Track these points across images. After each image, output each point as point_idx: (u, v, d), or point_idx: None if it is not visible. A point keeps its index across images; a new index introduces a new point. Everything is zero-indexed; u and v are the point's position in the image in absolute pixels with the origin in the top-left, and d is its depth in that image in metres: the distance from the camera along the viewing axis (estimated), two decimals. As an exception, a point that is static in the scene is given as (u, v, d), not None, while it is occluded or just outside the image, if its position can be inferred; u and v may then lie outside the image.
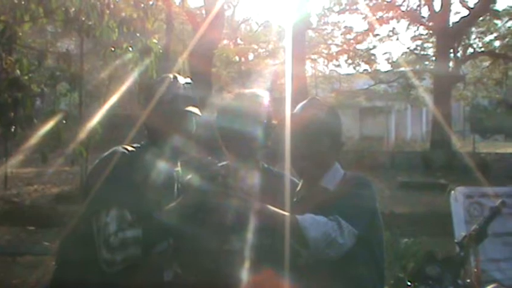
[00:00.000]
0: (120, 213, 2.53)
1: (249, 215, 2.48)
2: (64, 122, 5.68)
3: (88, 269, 2.57)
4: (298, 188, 2.80)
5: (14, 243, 10.25)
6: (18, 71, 5.70)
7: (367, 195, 2.69)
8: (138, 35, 5.93)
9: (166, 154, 2.78)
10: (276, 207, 2.50)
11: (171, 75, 2.88)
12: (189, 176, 2.68)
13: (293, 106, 2.87)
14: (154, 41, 6.04)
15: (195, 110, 2.79)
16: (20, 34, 5.90)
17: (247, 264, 2.63)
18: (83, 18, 5.60)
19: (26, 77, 5.87)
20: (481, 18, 23.88)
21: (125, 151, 2.73)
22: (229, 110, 2.84)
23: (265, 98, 2.88)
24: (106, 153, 2.74)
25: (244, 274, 2.62)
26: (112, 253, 2.49)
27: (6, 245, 10.13)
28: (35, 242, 9.60)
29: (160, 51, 6.22)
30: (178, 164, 2.87)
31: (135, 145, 2.82)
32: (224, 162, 2.84)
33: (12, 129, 5.55)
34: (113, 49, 5.92)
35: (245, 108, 2.81)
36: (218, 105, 2.93)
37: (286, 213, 2.49)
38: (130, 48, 5.87)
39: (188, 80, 2.91)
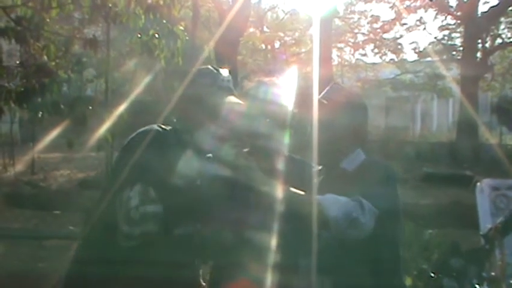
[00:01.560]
0: (144, 189, 2.54)
1: (273, 196, 2.48)
2: (90, 108, 5.72)
3: (107, 246, 2.60)
4: (318, 173, 2.80)
5: (41, 227, 10.37)
6: (45, 57, 5.74)
7: (388, 178, 2.70)
8: (164, 21, 5.93)
9: (201, 142, 2.78)
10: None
11: (212, 67, 2.90)
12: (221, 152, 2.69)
13: (319, 94, 2.87)
14: (181, 27, 6.04)
15: (238, 101, 2.81)
16: (48, 20, 5.93)
17: (266, 252, 2.61)
18: (110, 5, 5.62)
19: (53, 63, 5.91)
20: (510, 8, 23.51)
21: (160, 130, 2.76)
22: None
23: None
24: (142, 129, 2.77)
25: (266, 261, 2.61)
26: (131, 226, 2.51)
27: (32, 228, 10.26)
28: (60, 226, 9.71)
29: (187, 38, 6.22)
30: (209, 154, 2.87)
31: (170, 127, 2.83)
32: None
33: (40, 115, 5.59)
34: (139, 35, 5.93)
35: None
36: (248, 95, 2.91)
37: (307, 194, 2.49)
38: (156, 35, 5.88)
39: (227, 72, 2.91)
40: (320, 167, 2.82)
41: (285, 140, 2.78)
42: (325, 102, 2.76)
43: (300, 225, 2.50)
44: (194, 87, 2.83)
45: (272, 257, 2.58)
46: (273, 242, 2.57)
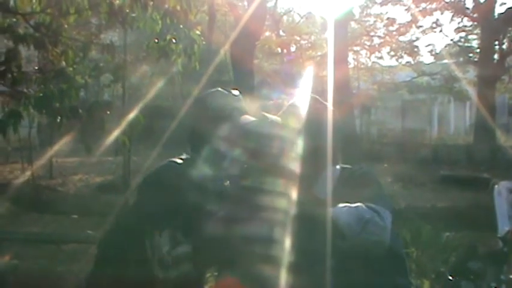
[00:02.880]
0: (172, 234, 2.57)
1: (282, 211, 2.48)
2: (108, 112, 5.76)
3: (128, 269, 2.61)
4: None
5: (59, 231, 10.45)
6: (63, 63, 5.80)
7: (378, 181, 2.69)
8: (181, 26, 5.96)
9: (220, 168, 2.74)
10: None
11: (221, 89, 2.88)
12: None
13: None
14: (198, 32, 6.07)
15: (256, 121, 2.76)
16: (66, 26, 5.99)
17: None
18: (127, 10, 5.66)
19: (71, 69, 5.97)
20: (528, 9, 23.35)
21: (177, 165, 2.73)
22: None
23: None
24: (159, 166, 2.76)
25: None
26: (166, 271, 2.54)
27: (51, 233, 10.33)
28: (79, 230, 9.78)
29: (203, 42, 6.26)
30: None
31: (184, 157, 2.81)
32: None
33: (58, 120, 5.64)
34: (156, 40, 5.97)
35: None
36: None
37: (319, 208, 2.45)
38: (173, 40, 5.91)
39: (238, 92, 2.90)
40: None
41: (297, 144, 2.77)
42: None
43: (315, 243, 2.50)
44: (206, 107, 2.80)
45: (278, 262, 2.59)
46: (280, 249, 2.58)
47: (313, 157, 2.61)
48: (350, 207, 2.41)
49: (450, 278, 3.98)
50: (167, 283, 2.56)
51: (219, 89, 2.91)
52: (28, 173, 15.10)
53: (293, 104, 2.80)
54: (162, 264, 2.54)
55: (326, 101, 2.82)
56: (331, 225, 2.37)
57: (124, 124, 5.72)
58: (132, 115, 5.79)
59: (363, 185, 2.59)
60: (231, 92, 2.89)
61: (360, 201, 2.44)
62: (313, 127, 2.63)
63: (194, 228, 2.57)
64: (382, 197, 2.56)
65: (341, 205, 2.43)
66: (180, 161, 2.77)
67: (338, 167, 2.76)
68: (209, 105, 2.82)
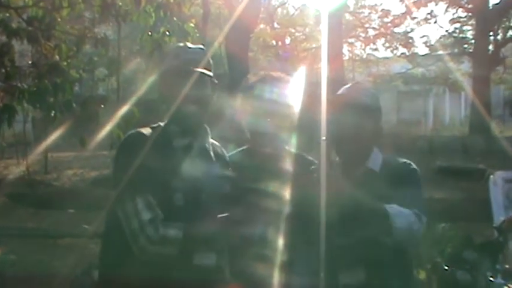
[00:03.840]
0: (147, 202, 2.51)
1: (277, 196, 2.49)
2: (102, 106, 5.74)
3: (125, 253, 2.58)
4: (340, 170, 2.80)
5: (55, 226, 10.44)
6: (57, 57, 5.77)
7: (420, 182, 2.77)
8: (175, 19, 5.94)
9: (188, 126, 2.71)
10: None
11: (181, 44, 2.85)
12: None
13: (329, 90, 2.86)
14: (191, 25, 6.05)
15: (206, 71, 2.70)
16: (59, 20, 5.96)
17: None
18: (120, 3, 5.64)
19: (65, 63, 5.94)
20: (522, -1, 23.36)
21: (141, 134, 2.69)
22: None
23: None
24: (130, 133, 2.74)
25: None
26: (150, 244, 2.48)
27: (47, 228, 10.32)
28: (74, 225, 9.76)
29: (197, 35, 6.24)
30: (209, 136, 2.81)
31: (154, 125, 2.77)
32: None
33: (52, 114, 5.62)
34: (150, 34, 5.95)
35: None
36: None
37: (373, 201, 2.54)
38: (167, 33, 5.89)
39: (200, 46, 2.83)
40: (340, 166, 2.82)
41: (291, 139, 2.78)
42: (347, 98, 2.80)
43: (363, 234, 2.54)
44: (164, 64, 2.79)
45: (277, 257, 2.59)
46: (278, 242, 2.58)
47: (366, 133, 2.79)
48: (402, 211, 2.51)
49: (446, 268, 3.99)
50: (146, 254, 2.49)
51: (180, 44, 2.91)
52: (23, 168, 15.08)
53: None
54: (145, 235, 2.46)
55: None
56: (386, 222, 2.48)
57: (118, 118, 5.70)
58: (126, 109, 5.77)
59: (406, 183, 2.69)
60: (186, 45, 2.82)
61: (401, 200, 2.56)
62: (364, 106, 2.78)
63: (168, 192, 2.55)
64: (420, 200, 2.67)
65: (394, 206, 2.52)
66: (144, 130, 2.73)
67: (379, 151, 2.86)
68: (168, 61, 2.78)
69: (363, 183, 2.62)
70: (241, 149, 2.96)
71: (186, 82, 2.64)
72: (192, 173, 2.62)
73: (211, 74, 2.73)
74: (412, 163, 2.84)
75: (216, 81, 2.77)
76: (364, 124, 2.75)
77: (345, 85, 2.89)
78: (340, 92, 2.87)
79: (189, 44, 2.84)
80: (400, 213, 2.49)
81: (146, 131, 2.71)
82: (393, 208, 2.50)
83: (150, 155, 2.57)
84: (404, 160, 2.87)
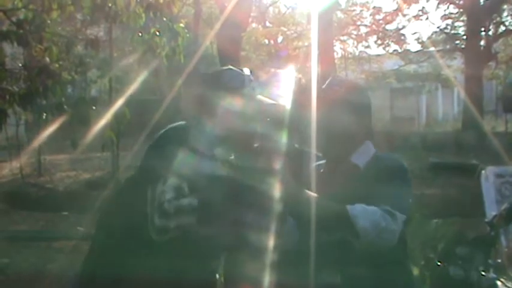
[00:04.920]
0: (178, 184, 2.50)
1: (272, 195, 2.47)
2: (94, 108, 5.74)
3: (132, 237, 2.57)
4: (323, 168, 2.78)
5: (49, 228, 10.42)
6: (47, 59, 5.76)
7: (405, 178, 2.68)
8: (164, 19, 5.94)
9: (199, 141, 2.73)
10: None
11: (233, 67, 2.87)
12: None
13: (320, 88, 2.85)
14: (181, 25, 6.05)
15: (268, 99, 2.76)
16: (49, 22, 5.95)
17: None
18: (110, 5, 5.63)
19: (57, 65, 5.93)
20: (513, -5, 23.44)
21: (186, 127, 2.73)
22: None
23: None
24: (172, 126, 2.77)
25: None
26: (166, 219, 2.46)
27: (41, 230, 10.31)
28: (68, 227, 9.75)
29: (188, 35, 6.24)
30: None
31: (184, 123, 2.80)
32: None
33: (44, 116, 5.62)
34: (140, 34, 5.95)
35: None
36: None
37: (336, 204, 2.46)
38: (157, 33, 5.89)
39: (249, 71, 2.89)
40: (324, 161, 2.79)
41: (284, 138, 2.76)
42: (322, 95, 2.75)
43: (324, 235, 2.50)
44: (221, 83, 2.78)
45: (272, 257, 2.58)
46: (272, 242, 2.57)
47: (353, 126, 2.71)
48: (367, 210, 2.43)
49: (438, 263, 4.00)
50: (164, 233, 2.48)
51: (231, 67, 2.89)
52: (16, 171, 15.05)
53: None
54: (162, 212, 2.45)
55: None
56: (348, 224, 2.40)
57: (110, 119, 5.70)
58: (118, 110, 5.77)
59: (388, 180, 2.59)
60: (243, 70, 2.86)
61: (377, 197, 2.47)
62: (350, 99, 2.72)
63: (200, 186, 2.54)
64: (400, 197, 2.57)
65: (358, 206, 2.44)
66: (182, 124, 2.77)
67: (372, 145, 2.80)
68: (223, 81, 2.79)
69: (344, 179, 2.59)
70: (235, 147, 2.95)
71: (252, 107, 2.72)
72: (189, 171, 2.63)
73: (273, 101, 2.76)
74: (402, 160, 2.80)
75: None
76: (341, 120, 2.69)
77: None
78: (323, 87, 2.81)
79: (246, 69, 2.88)
80: (362, 213, 2.41)
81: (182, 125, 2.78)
82: (355, 208, 2.42)
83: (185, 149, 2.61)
84: (396, 157, 2.84)
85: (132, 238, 2.58)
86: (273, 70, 2.96)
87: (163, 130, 2.78)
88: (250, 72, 2.91)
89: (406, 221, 2.52)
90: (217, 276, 2.86)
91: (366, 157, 2.73)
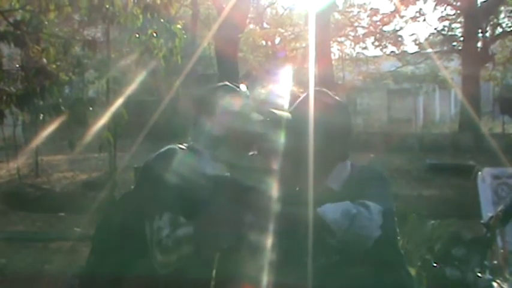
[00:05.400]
0: (173, 217, 2.52)
1: (270, 196, 2.47)
2: (91, 108, 5.74)
3: (128, 262, 2.62)
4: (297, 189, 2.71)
5: (45, 229, 10.42)
6: (44, 60, 5.76)
7: (381, 181, 2.66)
8: (162, 20, 5.95)
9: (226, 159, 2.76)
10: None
11: (229, 84, 2.87)
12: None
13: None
14: (179, 26, 6.06)
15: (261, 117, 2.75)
16: (46, 23, 5.95)
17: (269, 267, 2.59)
18: (107, 6, 5.63)
19: (54, 66, 5.93)
20: (509, -4, 23.47)
21: (178, 151, 2.71)
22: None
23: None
24: (160, 152, 2.73)
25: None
26: (166, 255, 2.49)
27: (37, 231, 10.30)
28: (65, 228, 9.75)
29: (185, 36, 6.24)
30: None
31: (185, 145, 2.80)
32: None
33: (41, 117, 5.62)
34: (137, 35, 5.95)
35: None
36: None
37: (303, 208, 2.43)
38: (155, 34, 5.90)
39: (245, 87, 2.89)
40: (297, 188, 2.70)
41: (281, 140, 2.73)
42: (292, 115, 2.68)
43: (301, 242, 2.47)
44: (214, 103, 2.78)
45: (270, 257, 2.58)
46: (272, 242, 2.56)
47: (326, 149, 2.60)
48: (337, 204, 2.39)
49: (435, 265, 4.01)
50: (168, 266, 2.50)
51: (227, 83, 2.88)
52: (13, 172, 15.03)
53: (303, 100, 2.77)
54: (161, 246, 2.47)
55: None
56: (319, 223, 2.35)
57: (108, 120, 5.71)
58: (115, 111, 5.77)
59: (368, 184, 2.56)
60: (238, 88, 2.86)
61: (356, 198, 2.42)
62: (323, 120, 2.60)
63: (195, 212, 2.53)
64: (382, 196, 2.52)
65: (327, 204, 2.40)
66: (181, 147, 2.76)
67: (349, 163, 2.72)
68: (217, 100, 2.79)
69: (319, 202, 2.45)
70: (230, 147, 2.95)
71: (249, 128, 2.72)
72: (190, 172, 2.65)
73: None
74: (379, 168, 2.77)
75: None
76: (315, 142, 2.57)
77: (333, 84, 2.83)
78: (295, 104, 2.74)
79: (242, 86, 2.88)
80: (331, 207, 2.36)
81: (180, 147, 2.76)
82: (323, 206, 2.38)
83: (182, 176, 2.61)
84: (371, 168, 2.80)
85: (131, 239, 2.62)
86: (271, 73, 2.94)
87: (160, 151, 2.75)
88: (247, 87, 2.91)
89: (386, 212, 2.44)
90: (212, 275, 2.88)
91: (341, 179, 2.66)
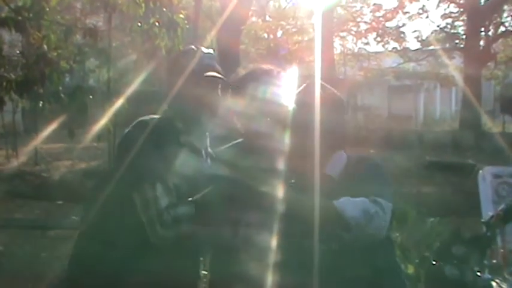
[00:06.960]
0: (166, 188, 2.55)
1: (272, 195, 2.46)
2: (91, 97, 5.71)
3: (117, 236, 2.60)
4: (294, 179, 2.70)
5: (44, 217, 10.41)
6: (45, 47, 5.73)
7: (382, 173, 2.68)
8: (164, 10, 5.91)
9: (199, 129, 2.78)
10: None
11: (194, 47, 2.87)
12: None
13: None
14: (181, 16, 6.02)
15: (221, 77, 2.78)
16: (48, 10, 5.91)
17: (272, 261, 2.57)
18: (109, -6, 5.60)
19: (55, 53, 5.90)
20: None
21: (160, 123, 2.73)
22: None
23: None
24: (141, 120, 2.75)
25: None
26: (165, 229, 2.51)
27: (36, 219, 10.29)
28: (63, 216, 9.74)
29: (187, 26, 6.21)
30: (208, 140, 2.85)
31: (168, 120, 2.79)
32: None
33: (40, 104, 5.59)
34: (139, 24, 5.92)
35: None
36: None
37: (321, 201, 2.44)
38: (157, 24, 5.86)
39: (211, 51, 2.90)
40: (293, 180, 2.69)
41: (285, 139, 2.72)
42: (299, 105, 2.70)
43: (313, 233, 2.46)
44: (180, 67, 2.79)
45: (272, 257, 2.56)
46: (273, 241, 2.55)
47: (327, 136, 2.62)
48: (354, 200, 2.44)
49: (434, 262, 3.98)
50: (165, 240, 2.53)
51: (192, 46, 2.91)
52: (12, 159, 15.01)
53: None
54: (162, 221, 2.50)
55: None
56: (337, 217, 2.40)
57: (108, 109, 5.68)
58: (116, 101, 5.75)
59: (371, 178, 2.59)
60: (201, 49, 2.87)
61: (365, 195, 2.47)
62: (322, 109, 2.63)
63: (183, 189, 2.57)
64: (384, 190, 2.56)
65: (344, 198, 2.44)
66: (152, 117, 2.78)
67: (344, 153, 2.75)
68: (183, 63, 2.79)
69: (321, 191, 2.49)
70: (233, 144, 2.93)
71: (204, 87, 2.75)
72: (189, 171, 2.66)
73: (224, 78, 2.80)
74: (375, 158, 2.78)
75: (227, 83, 2.83)
76: (318, 127, 2.60)
77: (335, 79, 2.82)
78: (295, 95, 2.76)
79: (204, 49, 2.89)
80: (349, 203, 2.41)
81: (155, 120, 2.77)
82: (340, 201, 2.42)
83: (166, 145, 2.64)
84: (368, 157, 2.81)
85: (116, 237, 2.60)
86: (275, 69, 2.89)
87: (136, 123, 2.77)
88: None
89: (393, 210, 2.52)
90: (202, 274, 2.88)
91: (339, 166, 2.69)
